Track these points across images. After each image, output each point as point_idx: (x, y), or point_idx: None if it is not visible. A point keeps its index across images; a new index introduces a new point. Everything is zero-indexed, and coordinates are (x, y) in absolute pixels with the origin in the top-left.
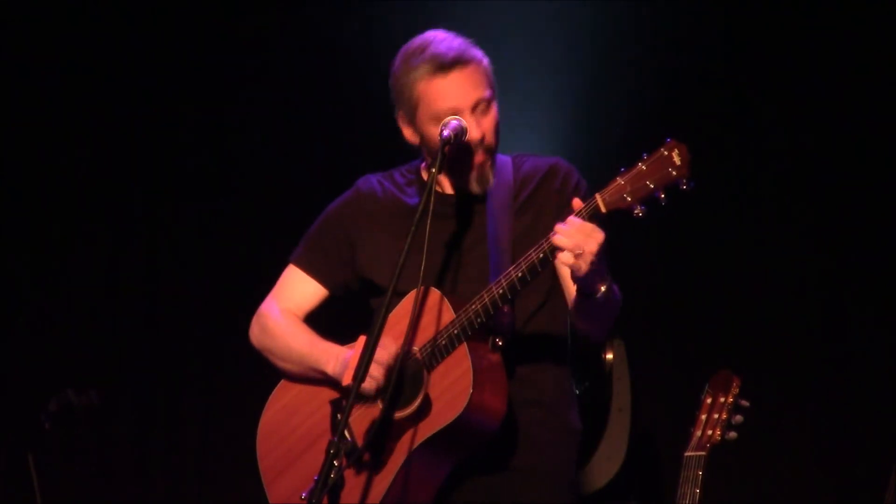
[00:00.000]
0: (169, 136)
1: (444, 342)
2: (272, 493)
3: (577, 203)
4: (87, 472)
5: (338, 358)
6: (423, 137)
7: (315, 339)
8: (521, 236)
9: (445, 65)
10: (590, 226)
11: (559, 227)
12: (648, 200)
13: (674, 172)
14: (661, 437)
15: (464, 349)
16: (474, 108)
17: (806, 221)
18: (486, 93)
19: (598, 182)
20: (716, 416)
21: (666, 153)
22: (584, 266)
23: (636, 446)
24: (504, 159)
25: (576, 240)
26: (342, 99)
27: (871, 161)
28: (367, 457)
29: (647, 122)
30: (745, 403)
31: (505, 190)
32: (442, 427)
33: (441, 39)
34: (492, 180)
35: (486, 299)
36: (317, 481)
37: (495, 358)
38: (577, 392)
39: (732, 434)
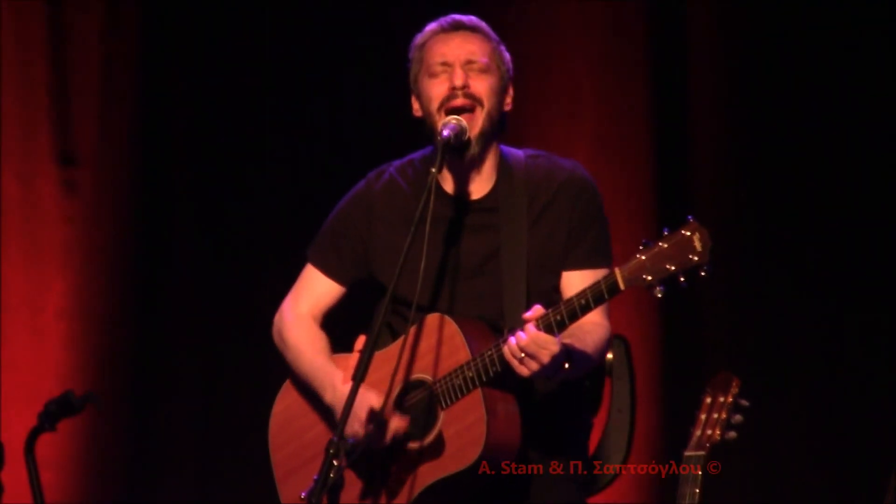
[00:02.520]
0: (173, 130)
1: (459, 382)
2: (283, 489)
3: (538, 310)
4: (88, 474)
5: (335, 389)
6: (421, 102)
7: (318, 360)
8: (537, 256)
9: (454, 25)
10: (544, 338)
11: (517, 335)
12: (667, 281)
13: (694, 258)
14: (662, 437)
15: (478, 395)
16: (466, 64)
17: (806, 220)
18: (484, 58)
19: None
20: (715, 415)
21: (687, 234)
22: (526, 372)
23: (636, 446)
24: (515, 154)
25: (528, 352)
26: (357, 90)
27: (870, 162)
28: (376, 482)
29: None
30: (744, 403)
31: (518, 196)
32: (453, 473)
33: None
34: (491, 183)
35: (504, 350)
36: (316, 481)
37: (510, 399)
38: None
39: (732, 434)
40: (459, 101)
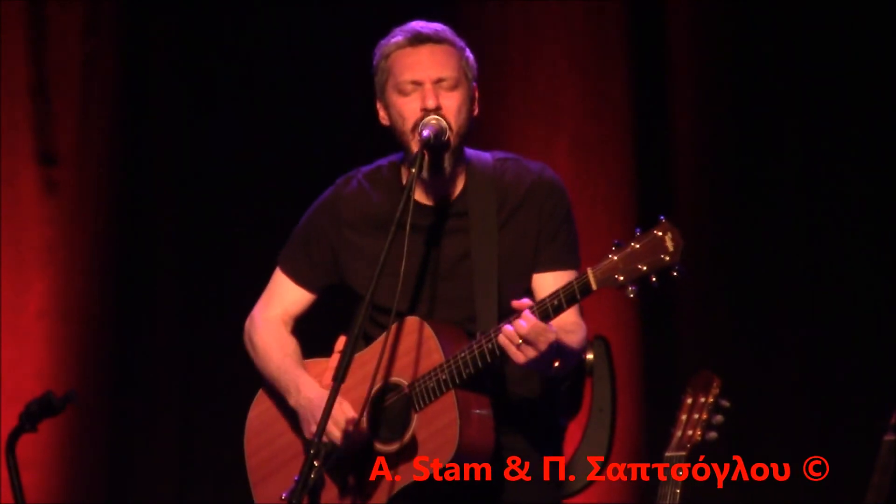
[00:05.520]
0: (153, 130)
1: (432, 385)
2: (258, 494)
3: (527, 301)
4: (69, 474)
5: (298, 392)
6: (390, 114)
7: (285, 363)
8: (507, 259)
9: (419, 38)
10: (543, 326)
11: (516, 323)
12: (640, 282)
13: (666, 258)
14: (642, 437)
15: (451, 398)
16: (436, 83)
17: (787, 219)
18: (453, 73)
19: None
20: (696, 416)
21: (659, 234)
22: (522, 358)
23: (616, 446)
24: (483, 157)
25: (528, 338)
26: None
27: (848, 163)
28: (353, 485)
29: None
30: (725, 404)
31: (488, 200)
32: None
33: (424, 22)
34: (459, 187)
35: (476, 350)
36: (297, 481)
37: (484, 401)
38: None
39: (713, 434)
40: None
